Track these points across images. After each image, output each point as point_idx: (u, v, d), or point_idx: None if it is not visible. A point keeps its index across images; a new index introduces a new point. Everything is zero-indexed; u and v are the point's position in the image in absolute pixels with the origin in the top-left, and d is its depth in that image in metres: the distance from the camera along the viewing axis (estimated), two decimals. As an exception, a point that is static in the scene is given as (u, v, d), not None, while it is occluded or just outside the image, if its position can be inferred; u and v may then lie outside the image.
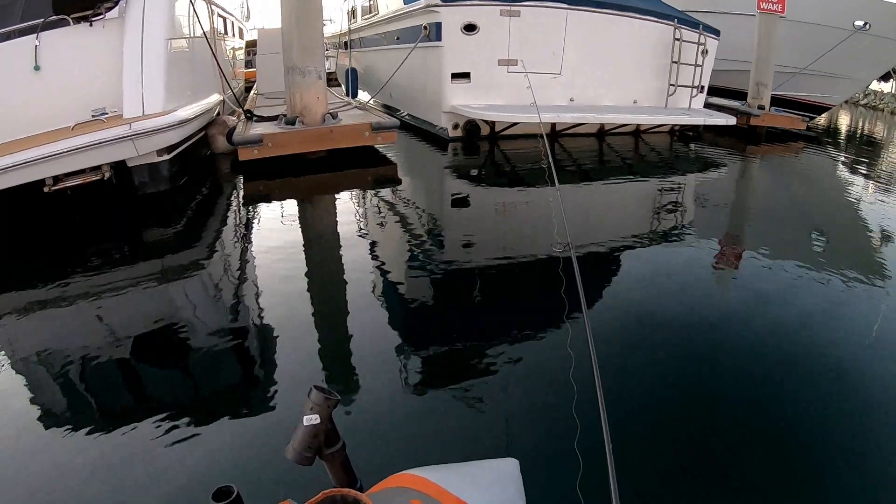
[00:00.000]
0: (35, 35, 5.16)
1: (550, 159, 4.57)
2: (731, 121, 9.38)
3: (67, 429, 2.19)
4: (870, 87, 26.90)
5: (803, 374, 2.65)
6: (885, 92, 29.30)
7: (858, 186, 7.70)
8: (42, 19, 5.19)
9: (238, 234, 4.77)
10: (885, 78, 27.46)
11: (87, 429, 2.19)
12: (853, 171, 9.03)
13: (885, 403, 2.45)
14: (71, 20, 5.33)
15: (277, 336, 2.92)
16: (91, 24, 5.41)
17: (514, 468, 1.43)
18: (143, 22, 5.50)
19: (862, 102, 28.27)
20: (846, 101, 22.48)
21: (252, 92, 10.76)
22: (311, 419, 1.30)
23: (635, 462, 1.98)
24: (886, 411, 2.38)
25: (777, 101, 11.53)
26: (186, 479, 1.90)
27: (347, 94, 10.43)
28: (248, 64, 13.06)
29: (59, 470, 1.97)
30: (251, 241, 4.56)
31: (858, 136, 15.12)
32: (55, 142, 4.73)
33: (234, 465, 1.97)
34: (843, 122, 18.44)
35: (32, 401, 2.45)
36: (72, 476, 1.94)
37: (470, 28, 7.71)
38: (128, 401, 2.50)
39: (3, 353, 2.84)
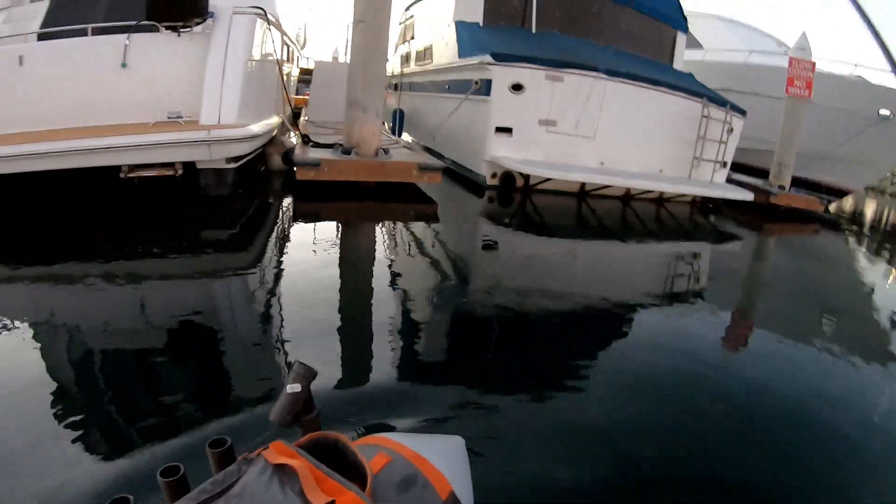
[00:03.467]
0: (126, 35, 5.77)
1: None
2: (749, 197, 9.86)
3: (72, 403, 2.38)
4: (896, 176, 27.15)
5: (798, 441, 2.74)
6: (913, 182, 29.46)
7: (867, 272, 8.06)
8: (133, 21, 5.78)
9: (284, 244, 5.13)
10: (913, 168, 27.70)
11: (94, 405, 2.40)
12: (863, 256, 9.43)
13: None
14: (161, 27, 5.91)
15: (291, 339, 3.17)
16: (179, 35, 5.99)
17: (460, 444, 1.59)
18: (229, 40, 6.09)
19: (889, 190, 28.41)
20: (873, 189, 22.82)
21: (302, 118, 11.37)
22: (294, 388, 1.45)
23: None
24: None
25: (798, 182, 12.00)
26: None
27: (393, 133, 11.18)
28: (298, 91, 13.76)
29: (64, 452, 2.07)
30: (296, 253, 4.85)
31: (877, 223, 15.39)
32: (141, 134, 5.26)
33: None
34: (865, 208, 18.74)
35: (48, 373, 2.62)
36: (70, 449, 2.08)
37: (517, 87, 8.41)
38: (134, 384, 2.65)
39: (24, 317, 3.14)
